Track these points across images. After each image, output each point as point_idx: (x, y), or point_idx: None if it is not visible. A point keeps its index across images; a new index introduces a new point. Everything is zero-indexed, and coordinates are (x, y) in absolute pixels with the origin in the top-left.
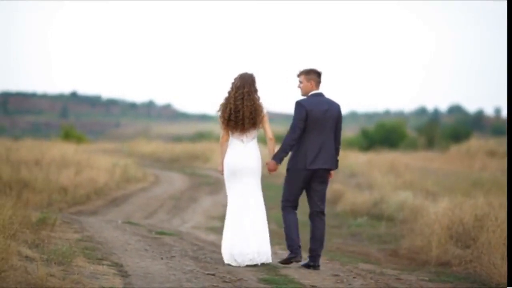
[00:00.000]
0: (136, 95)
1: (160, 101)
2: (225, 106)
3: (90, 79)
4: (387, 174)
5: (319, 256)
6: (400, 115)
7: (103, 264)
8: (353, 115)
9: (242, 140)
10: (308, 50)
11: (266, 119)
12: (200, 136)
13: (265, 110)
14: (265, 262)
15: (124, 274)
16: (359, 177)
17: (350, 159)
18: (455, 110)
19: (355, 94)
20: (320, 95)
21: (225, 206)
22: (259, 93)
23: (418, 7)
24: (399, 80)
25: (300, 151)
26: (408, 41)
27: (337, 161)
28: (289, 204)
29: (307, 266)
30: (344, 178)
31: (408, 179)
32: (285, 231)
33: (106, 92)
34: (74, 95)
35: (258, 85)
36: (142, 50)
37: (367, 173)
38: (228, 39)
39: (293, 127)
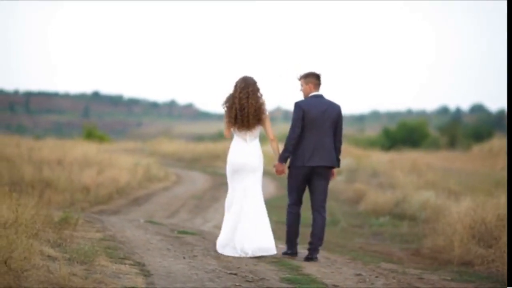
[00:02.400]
0: (158, 94)
1: (181, 100)
2: (230, 107)
3: (112, 78)
4: (409, 174)
5: (317, 250)
6: (422, 114)
7: (125, 264)
8: (375, 115)
9: (245, 139)
10: (331, 51)
11: (268, 119)
12: (222, 136)
13: (267, 111)
14: (266, 255)
15: (146, 273)
16: (381, 177)
17: (372, 158)
18: (477, 109)
19: (377, 94)
20: (319, 96)
21: None
22: (262, 93)
23: (441, 6)
24: (421, 79)
25: (298, 149)
26: (431, 40)
27: (338, 159)
28: (292, 201)
29: (306, 259)
30: (366, 177)
31: (430, 178)
32: (286, 226)
33: (128, 91)
34: (96, 94)
35: (260, 86)
36: (164, 50)
37: (389, 173)
38: (250, 40)
39: (292, 127)
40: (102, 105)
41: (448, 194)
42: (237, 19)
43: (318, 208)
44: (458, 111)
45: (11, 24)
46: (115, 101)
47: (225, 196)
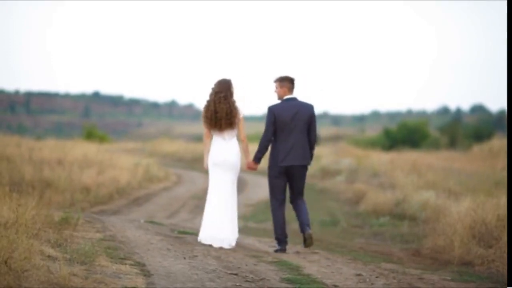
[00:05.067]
0: (158, 94)
1: (182, 100)
2: (207, 108)
3: (112, 79)
4: (410, 174)
5: (308, 225)
6: (423, 114)
7: (125, 264)
8: (376, 115)
9: (223, 138)
10: (332, 51)
11: (241, 121)
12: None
13: (241, 113)
14: (229, 247)
15: (146, 273)
16: (381, 177)
17: (373, 158)
18: (478, 109)
19: (377, 94)
20: (293, 99)
21: (246, 205)
22: (235, 97)
23: (442, 6)
24: (421, 79)
25: (274, 150)
26: (431, 40)
27: (312, 155)
28: (275, 198)
29: (304, 246)
30: (367, 177)
31: (430, 178)
32: (273, 223)
33: (129, 92)
34: (96, 94)
35: (235, 90)
36: (164, 50)
37: (390, 173)
38: (250, 40)
39: (265, 130)
40: (103, 105)
41: (448, 194)
42: (237, 19)
43: (297, 200)
44: (458, 111)
45: (11, 24)
46: (116, 101)
47: None
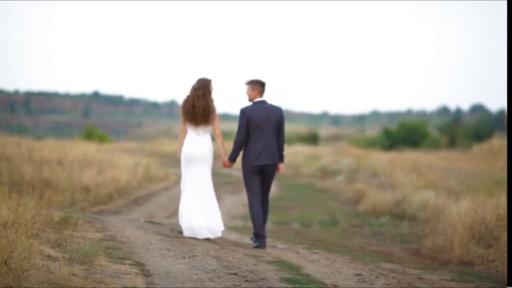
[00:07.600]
0: (158, 94)
1: (181, 100)
2: (186, 102)
3: (112, 78)
4: (409, 174)
5: (264, 237)
6: (422, 114)
7: (125, 264)
8: (375, 115)
9: (197, 133)
10: (332, 51)
11: (216, 118)
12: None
13: (216, 111)
14: (215, 237)
15: (146, 273)
16: (381, 177)
17: (372, 158)
18: (478, 109)
19: (377, 94)
20: (263, 102)
21: (246, 205)
22: (213, 96)
23: (442, 6)
24: (421, 79)
25: (247, 151)
26: (431, 40)
27: (282, 155)
28: (251, 195)
29: (256, 247)
30: (366, 177)
31: (430, 178)
32: (251, 218)
33: (128, 91)
34: (96, 94)
35: (213, 89)
36: (165, 50)
37: (389, 173)
38: (250, 40)
39: (238, 131)
40: (103, 105)
41: (448, 194)
42: (238, 19)
43: (262, 198)
44: (458, 111)
45: (11, 24)
46: (115, 101)
47: (225, 196)
